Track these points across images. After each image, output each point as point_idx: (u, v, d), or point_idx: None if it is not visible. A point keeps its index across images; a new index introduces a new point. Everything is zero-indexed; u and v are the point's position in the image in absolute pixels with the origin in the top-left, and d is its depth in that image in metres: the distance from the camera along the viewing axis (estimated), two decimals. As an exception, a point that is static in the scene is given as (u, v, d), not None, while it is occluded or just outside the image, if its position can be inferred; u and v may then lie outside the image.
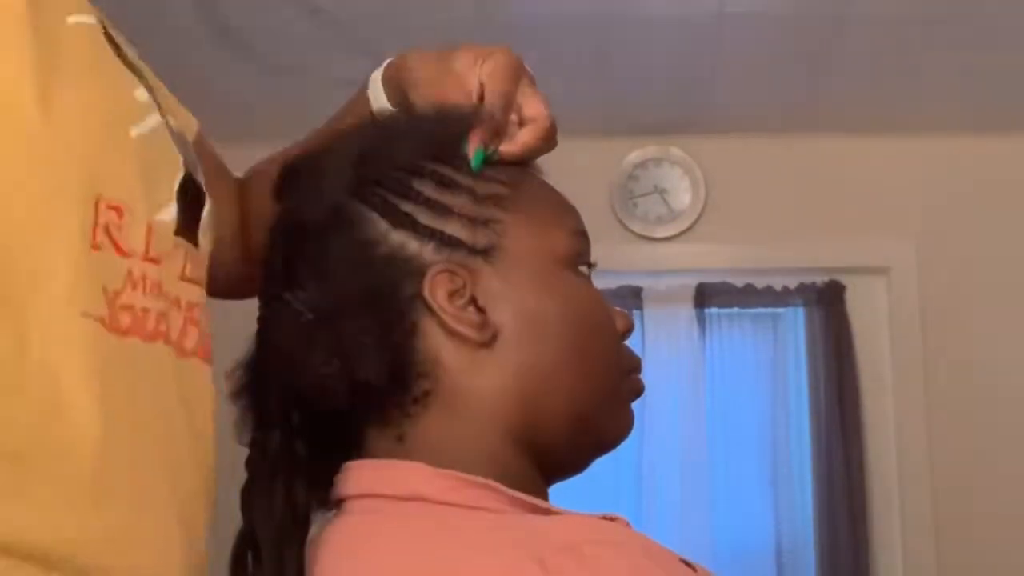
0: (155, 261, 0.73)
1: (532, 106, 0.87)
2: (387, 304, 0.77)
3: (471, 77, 0.87)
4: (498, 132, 0.84)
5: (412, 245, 0.79)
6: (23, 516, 0.60)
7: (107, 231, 0.68)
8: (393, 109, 0.94)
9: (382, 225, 0.79)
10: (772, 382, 3.46)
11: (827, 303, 3.41)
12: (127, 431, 0.66)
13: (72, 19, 0.71)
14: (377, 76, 0.96)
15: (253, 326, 0.84)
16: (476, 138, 0.82)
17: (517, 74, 0.88)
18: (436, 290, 0.78)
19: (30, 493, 0.60)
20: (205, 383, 0.78)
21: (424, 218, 0.79)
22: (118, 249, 0.69)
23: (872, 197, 3.45)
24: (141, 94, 0.77)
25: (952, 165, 3.46)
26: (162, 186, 0.76)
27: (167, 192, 0.76)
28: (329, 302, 0.78)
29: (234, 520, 0.80)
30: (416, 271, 0.79)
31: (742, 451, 3.41)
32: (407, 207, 0.79)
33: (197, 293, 0.79)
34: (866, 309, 3.44)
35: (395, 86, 0.94)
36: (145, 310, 0.70)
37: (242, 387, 0.84)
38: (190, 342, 0.76)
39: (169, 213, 0.76)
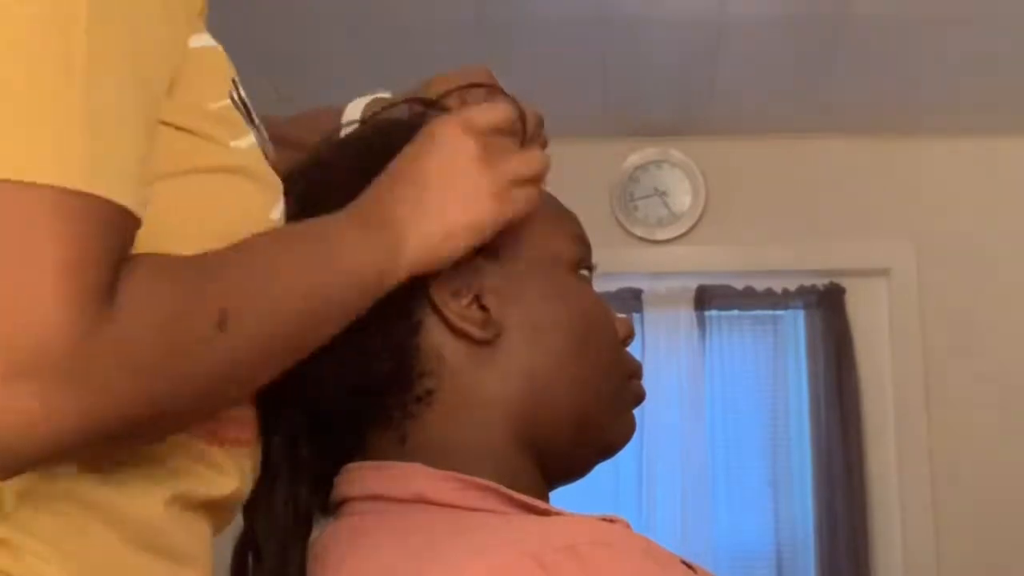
0: None
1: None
2: (391, 302, 0.77)
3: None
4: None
5: None
6: None
7: None
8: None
9: None
10: (772, 384, 3.45)
11: (827, 305, 3.41)
12: None
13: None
14: (360, 104, 0.97)
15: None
16: None
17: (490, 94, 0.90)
18: (440, 287, 0.79)
19: None
20: None
21: None
22: None
23: (872, 199, 3.45)
24: None
25: (952, 166, 3.46)
26: None
27: None
28: None
29: (235, 525, 0.80)
30: None
31: (742, 453, 3.41)
32: None
33: None
34: (866, 311, 3.43)
35: None
36: None
37: None
38: None
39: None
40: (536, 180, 0.82)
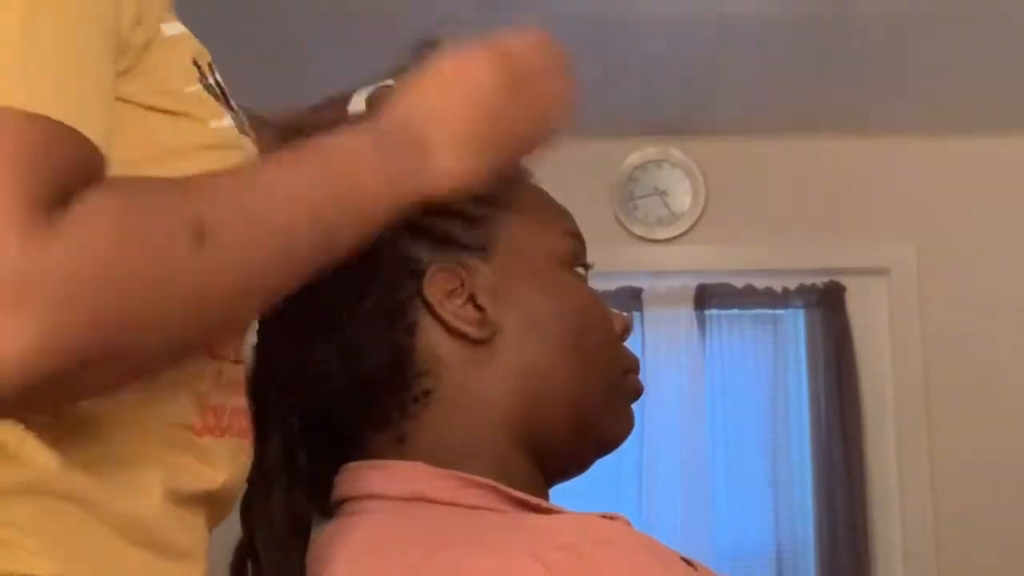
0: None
1: None
2: (386, 303, 0.77)
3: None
4: None
5: (409, 245, 0.79)
6: None
7: None
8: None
9: None
10: (772, 383, 3.45)
11: (827, 304, 3.41)
12: None
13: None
14: (363, 96, 0.97)
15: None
16: None
17: None
18: (435, 288, 0.79)
19: None
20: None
21: (421, 218, 0.79)
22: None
23: (872, 198, 3.45)
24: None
25: (952, 165, 3.46)
26: None
27: None
28: (328, 303, 0.78)
29: (234, 530, 0.80)
30: (414, 270, 0.79)
31: (742, 452, 3.41)
32: None
33: None
34: (866, 310, 3.43)
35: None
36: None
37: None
38: None
39: None
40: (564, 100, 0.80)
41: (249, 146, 0.74)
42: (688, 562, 0.72)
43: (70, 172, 0.55)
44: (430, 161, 0.72)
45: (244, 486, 0.77)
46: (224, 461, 0.73)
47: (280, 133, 0.82)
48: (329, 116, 0.94)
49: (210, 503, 0.73)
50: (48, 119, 0.55)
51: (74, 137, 0.56)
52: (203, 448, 0.71)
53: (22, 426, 0.63)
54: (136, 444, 0.66)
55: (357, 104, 0.95)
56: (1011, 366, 3.34)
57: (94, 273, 0.54)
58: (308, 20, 2.73)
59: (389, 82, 0.96)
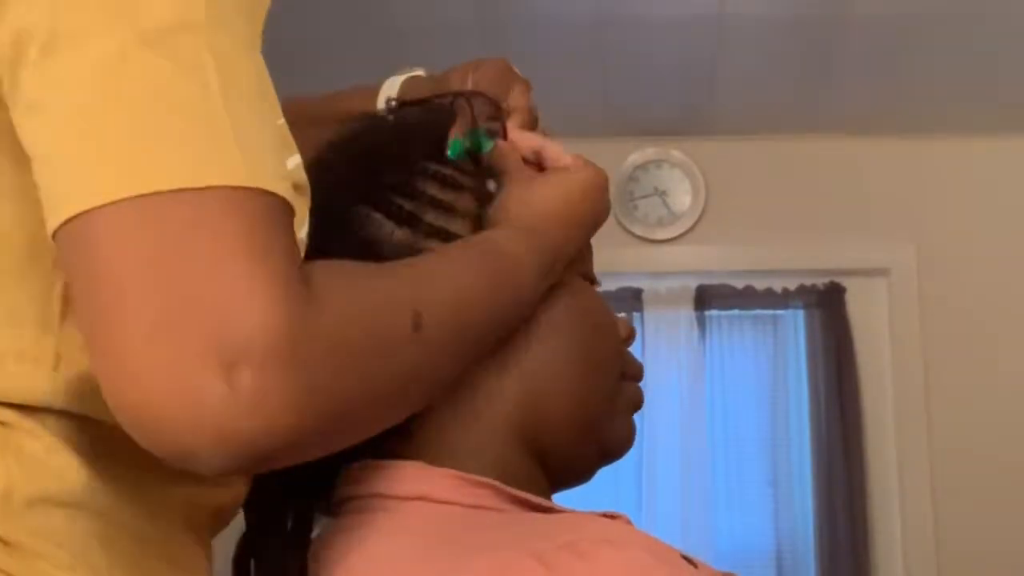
0: None
1: (514, 98, 0.91)
2: None
3: (465, 84, 0.92)
4: (476, 121, 0.86)
5: (417, 244, 0.79)
6: None
7: None
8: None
9: (387, 225, 0.79)
10: (772, 384, 3.46)
11: (827, 305, 3.41)
12: None
13: None
14: (396, 83, 0.98)
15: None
16: (453, 130, 0.85)
17: (506, 76, 0.92)
18: None
19: None
20: None
21: (429, 217, 0.80)
22: None
23: (872, 199, 3.45)
24: None
25: (952, 166, 3.46)
26: None
27: None
28: None
29: (236, 525, 0.80)
30: None
31: (742, 452, 3.41)
32: (411, 207, 0.80)
33: None
34: (866, 311, 3.44)
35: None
36: None
37: None
38: None
39: None
40: None
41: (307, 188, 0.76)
42: (689, 560, 0.72)
43: (294, 238, 0.60)
44: (559, 265, 0.81)
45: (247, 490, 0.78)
46: (237, 477, 0.74)
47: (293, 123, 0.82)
48: (355, 104, 0.95)
49: (220, 514, 0.75)
50: (272, 194, 0.59)
51: (284, 203, 0.60)
52: None
53: (54, 439, 0.64)
54: (159, 461, 0.67)
55: (390, 88, 0.96)
56: (1011, 366, 3.34)
57: (347, 347, 0.58)
58: (309, 21, 2.73)
59: (419, 71, 0.97)
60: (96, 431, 0.65)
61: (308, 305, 0.56)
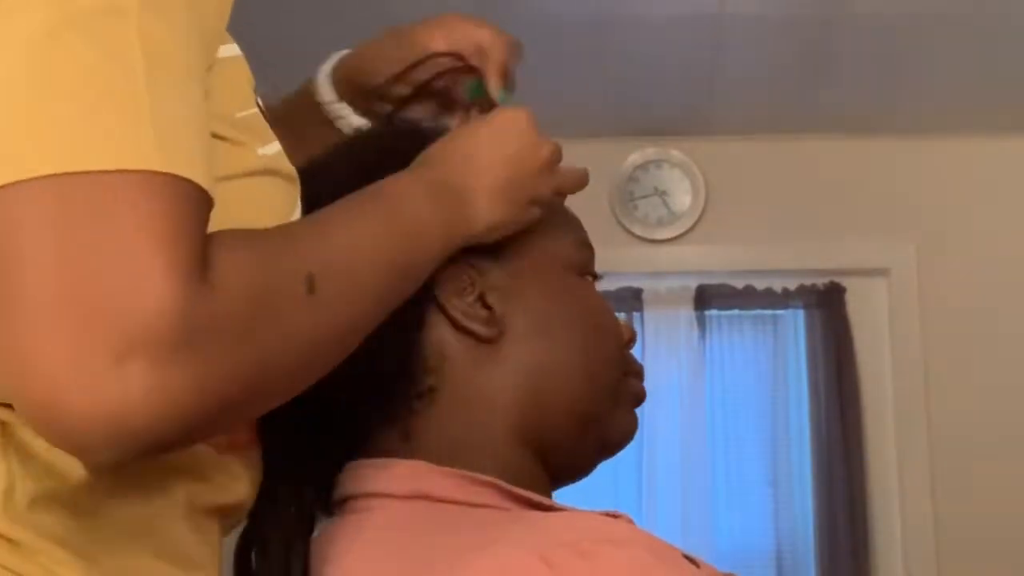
0: None
1: (488, 43, 0.96)
2: None
3: (436, 42, 0.99)
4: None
5: None
6: None
7: None
8: (339, 102, 0.99)
9: None
10: (772, 384, 3.46)
11: (827, 305, 3.41)
12: None
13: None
14: (326, 69, 1.01)
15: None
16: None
17: (470, 24, 0.99)
18: (444, 286, 0.80)
19: None
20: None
21: None
22: None
23: (872, 198, 3.45)
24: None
25: (952, 166, 3.46)
26: None
27: None
28: None
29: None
30: None
31: (742, 452, 3.41)
32: None
33: None
34: (866, 311, 3.44)
35: (347, 81, 1.00)
36: None
37: None
38: None
39: None
40: (563, 198, 0.88)
41: (292, 172, 0.77)
42: (691, 559, 0.72)
43: (202, 224, 0.59)
44: (469, 209, 0.78)
45: (255, 492, 0.78)
46: (243, 475, 0.75)
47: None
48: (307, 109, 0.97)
49: (226, 515, 0.75)
50: (187, 180, 0.58)
51: (198, 189, 0.59)
52: (225, 466, 0.73)
53: None
54: (162, 461, 0.67)
55: (324, 86, 1.00)
56: (1011, 366, 3.34)
57: (241, 325, 0.59)
58: (307, 19, 2.73)
59: (344, 52, 1.00)
60: None
61: (204, 289, 0.57)
